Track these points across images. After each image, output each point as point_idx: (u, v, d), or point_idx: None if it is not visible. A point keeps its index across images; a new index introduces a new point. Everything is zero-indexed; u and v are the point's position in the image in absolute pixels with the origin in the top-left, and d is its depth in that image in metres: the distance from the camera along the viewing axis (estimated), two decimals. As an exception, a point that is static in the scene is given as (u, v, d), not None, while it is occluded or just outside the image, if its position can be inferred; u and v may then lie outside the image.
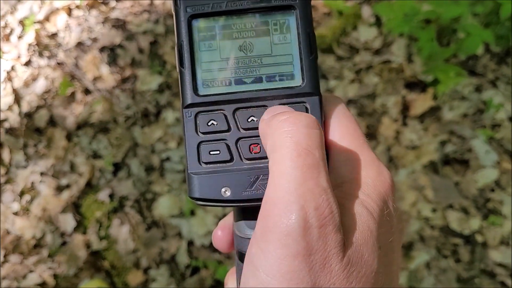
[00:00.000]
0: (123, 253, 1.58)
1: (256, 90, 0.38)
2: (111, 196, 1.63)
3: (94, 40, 1.80)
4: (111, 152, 1.66)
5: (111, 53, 1.80)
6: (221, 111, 0.38)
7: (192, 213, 1.61)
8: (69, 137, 1.70)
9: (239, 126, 0.38)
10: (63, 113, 1.72)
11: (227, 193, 0.37)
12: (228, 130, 0.38)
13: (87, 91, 1.76)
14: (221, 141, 0.38)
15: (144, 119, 1.72)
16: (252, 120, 0.38)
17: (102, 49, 1.80)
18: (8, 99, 1.73)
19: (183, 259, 1.58)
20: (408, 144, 1.66)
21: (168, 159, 1.68)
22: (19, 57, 1.77)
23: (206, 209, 1.60)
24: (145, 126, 1.71)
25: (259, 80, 0.38)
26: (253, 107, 0.38)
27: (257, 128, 0.37)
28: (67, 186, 1.64)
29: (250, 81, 0.38)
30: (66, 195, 1.62)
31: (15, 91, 1.75)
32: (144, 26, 1.82)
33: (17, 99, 1.74)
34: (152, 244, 1.58)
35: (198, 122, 0.38)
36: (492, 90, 1.69)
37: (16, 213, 1.63)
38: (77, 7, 1.85)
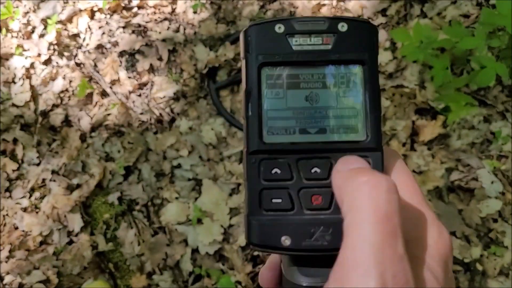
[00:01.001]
0: (128, 256, 1.60)
1: (320, 142, 0.39)
2: (120, 199, 1.65)
3: (114, 44, 1.83)
4: (123, 156, 1.68)
5: (130, 58, 1.83)
6: (285, 160, 0.38)
7: (199, 221, 1.63)
8: (83, 137, 1.72)
9: (301, 176, 0.38)
10: (78, 114, 1.75)
11: (287, 242, 0.37)
12: (291, 179, 0.38)
13: (103, 94, 1.78)
14: (283, 190, 0.38)
15: (158, 125, 1.74)
16: (315, 171, 0.38)
17: (121, 54, 1.83)
18: (25, 95, 1.75)
19: (187, 266, 1.59)
20: (415, 168, 1.68)
21: (179, 166, 1.70)
22: (39, 55, 1.80)
23: (212, 218, 1.63)
24: (158, 132, 1.74)
25: (323, 131, 0.39)
26: (316, 158, 0.38)
27: (319, 179, 0.37)
28: (78, 186, 1.66)
29: (314, 131, 0.39)
30: (76, 195, 1.64)
31: (32, 88, 1.77)
32: (164, 33, 1.85)
33: (34, 96, 1.77)
34: (157, 249, 1.60)
35: (261, 169, 0.38)
36: (502, 121, 1.72)
37: (25, 209, 1.65)
38: (100, 10, 1.88)
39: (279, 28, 0.38)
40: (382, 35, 1.87)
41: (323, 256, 0.38)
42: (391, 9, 1.91)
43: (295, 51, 0.38)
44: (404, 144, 1.72)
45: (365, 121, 0.38)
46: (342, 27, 0.38)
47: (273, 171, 0.38)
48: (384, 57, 1.83)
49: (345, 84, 0.39)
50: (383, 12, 1.92)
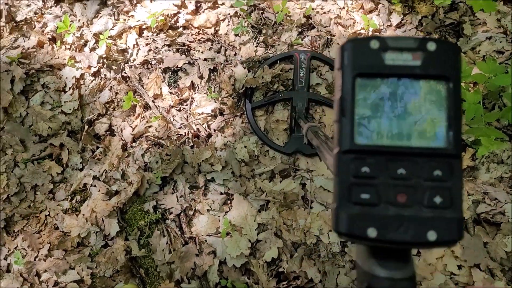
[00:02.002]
0: (159, 263, 1.67)
1: (406, 147, 0.44)
2: (155, 207, 1.73)
3: (159, 60, 1.94)
4: (161, 167, 1.77)
5: (173, 74, 1.93)
6: (374, 161, 0.44)
7: (228, 234, 1.69)
8: (124, 147, 1.82)
9: (388, 176, 0.44)
10: (121, 124, 1.85)
11: (373, 233, 0.42)
12: (379, 178, 0.44)
13: (146, 107, 1.88)
14: (372, 187, 0.43)
15: (195, 139, 1.83)
16: (401, 172, 0.43)
17: (165, 70, 1.93)
18: (74, 104, 1.86)
19: (213, 277, 1.65)
20: (442, 198, 1.71)
21: (212, 180, 1.78)
22: (89, 67, 1.92)
23: (241, 233, 1.69)
24: (194, 146, 1.82)
25: (409, 137, 0.44)
26: (403, 160, 0.44)
27: (404, 179, 0.43)
28: (116, 193, 1.75)
29: (401, 137, 0.44)
30: (114, 200, 1.73)
31: (80, 98, 1.89)
32: (206, 53, 1.95)
33: (82, 105, 1.88)
34: (187, 258, 1.67)
35: (352, 166, 0.44)
36: (531, 158, 1.74)
37: (65, 211, 1.75)
38: (148, 28, 1.99)
39: (374, 44, 0.45)
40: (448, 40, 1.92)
41: (401, 251, 0.44)
42: (425, 41, 1.96)
43: (387, 65, 0.44)
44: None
45: (448, 131, 0.44)
46: (431, 46, 0.44)
47: (363, 170, 0.44)
48: (416, 87, 1.88)
49: (431, 96, 0.44)
50: (418, 44, 1.97)
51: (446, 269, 1.63)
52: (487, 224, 1.68)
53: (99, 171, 1.78)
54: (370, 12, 2.03)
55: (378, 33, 1.99)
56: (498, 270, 1.61)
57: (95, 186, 1.77)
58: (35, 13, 2.00)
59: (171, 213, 1.73)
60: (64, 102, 1.87)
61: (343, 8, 2.05)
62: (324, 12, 2.03)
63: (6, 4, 1.98)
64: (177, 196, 1.75)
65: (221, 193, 1.76)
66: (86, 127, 1.84)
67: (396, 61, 0.44)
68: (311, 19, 2.02)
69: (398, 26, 2.00)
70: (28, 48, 1.92)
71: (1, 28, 1.96)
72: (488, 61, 1.71)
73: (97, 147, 1.82)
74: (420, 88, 0.45)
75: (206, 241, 1.69)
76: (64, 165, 1.81)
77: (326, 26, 2.00)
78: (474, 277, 1.61)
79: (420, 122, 0.44)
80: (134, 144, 1.83)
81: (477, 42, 1.94)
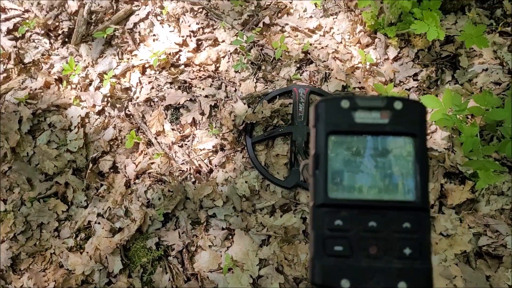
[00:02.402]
0: (161, 300, 1.69)
1: (376, 200, 0.46)
2: (157, 244, 1.76)
3: (161, 98, 1.99)
4: (163, 203, 1.80)
5: (175, 111, 1.98)
6: (346, 214, 0.46)
7: (230, 270, 1.70)
8: (127, 184, 1.86)
9: (360, 228, 0.46)
10: (125, 161, 1.89)
11: (346, 284, 0.44)
12: (351, 230, 0.46)
13: (149, 144, 1.93)
14: (345, 239, 0.46)
15: (197, 175, 1.86)
16: (372, 225, 0.46)
17: (167, 107, 1.98)
18: (79, 142, 1.92)
19: (216, 314, 1.66)
20: (442, 231, 1.72)
21: (214, 215, 1.80)
22: (94, 105, 1.98)
23: (243, 268, 1.70)
24: (196, 182, 1.85)
25: (379, 191, 0.46)
26: (373, 213, 0.46)
27: (375, 232, 0.45)
28: (120, 230, 1.78)
29: (372, 190, 0.47)
30: (117, 237, 1.76)
31: (85, 136, 1.94)
32: (207, 90, 2.00)
33: (87, 143, 1.93)
34: (189, 295, 1.68)
35: (326, 219, 0.46)
36: (531, 189, 1.74)
37: (70, 249, 1.78)
38: (150, 66, 2.05)
39: (345, 104, 0.48)
40: (413, 98, 1.95)
41: None
42: (422, 74, 1.99)
43: (357, 123, 0.48)
44: (432, 206, 1.76)
45: (416, 185, 0.46)
46: (398, 105, 0.48)
47: (336, 223, 0.46)
48: (414, 120, 1.90)
49: (399, 152, 0.47)
50: (415, 76, 2.00)
51: (449, 303, 1.62)
52: (489, 257, 1.67)
53: (103, 209, 1.82)
54: (367, 46, 2.07)
55: (375, 67, 2.03)
56: (502, 304, 1.60)
57: (99, 223, 1.80)
58: (43, 54, 2.08)
59: (173, 249, 1.75)
60: (70, 140, 1.92)
61: (341, 42, 2.09)
62: (322, 47, 2.08)
63: (15, 47, 2.06)
64: (179, 232, 1.77)
65: (223, 229, 1.78)
66: (91, 165, 1.88)
67: (366, 119, 0.47)
68: (309, 54, 2.07)
69: (395, 59, 2.04)
70: (35, 89, 1.98)
71: (10, 70, 2.03)
72: (484, 94, 1.73)
73: (101, 185, 1.86)
74: (389, 145, 0.47)
75: (208, 277, 1.70)
76: (69, 203, 1.85)
77: (324, 61, 2.04)
78: (477, 311, 1.60)
79: (390, 177, 0.47)
80: (137, 180, 1.87)
81: (473, 74, 1.97)
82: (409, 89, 1.98)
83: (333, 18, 2.16)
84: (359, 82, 2.00)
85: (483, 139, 1.85)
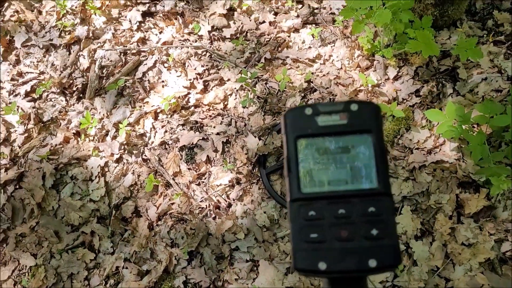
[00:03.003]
0: (194, 338, 1.71)
1: (343, 190, 0.53)
2: (185, 283, 1.80)
3: (175, 140, 2.07)
4: (187, 241, 1.85)
5: (189, 151, 2.06)
6: (318, 205, 0.52)
7: (258, 302, 1.72)
8: (150, 226, 1.91)
9: (331, 216, 0.52)
10: (146, 204, 1.96)
11: (323, 266, 0.50)
12: (323, 218, 0.52)
13: (167, 185, 2.00)
14: (319, 227, 0.52)
15: (216, 211, 1.91)
16: (341, 212, 0.52)
17: (181, 148, 2.06)
18: (101, 191, 1.99)
19: None
20: (464, 241, 1.73)
21: (237, 248, 1.84)
22: (112, 154, 2.07)
23: (271, 298, 1.72)
24: (216, 217, 1.90)
25: (345, 182, 0.53)
26: (341, 202, 0.52)
27: (344, 218, 0.51)
28: (147, 272, 1.83)
29: (339, 183, 0.53)
30: (145, 280, 1.80)
31: (106, 184, 2.02)
32: (218, 127, 2.08)
33: (108, 191, 2.01)
34: (221, 330, 1.70)
35: (301, 212, 0.52)
36: (547, 190, 1.75)
37: (101, 295, 1.82)
38: (162, 111, 2.15)
39: (308, 111, 0.55)
40: (418, 114, 2.00)
41: (355, 279, 0.52)
42: (424, 89, 2.05)
43: (320, 126, 0.55)
44: (450, 217, 1.78)
45: (376, 173, 0.53)
46: (354, 107, 0.55)
47: (310, 213, 0.52)
48: (421, 135, 1.95)
49: (359, 147, 0.54)
50: (417, 92, 2.06)
51: (481, 313, 1.62)
52: (514, 262, 1.67)
53: (129, 253, 1.87)
54: (367, 69, 2.15)
55: (377, 87, 2.09)
56: (534, 309, 1.59)
57: (126, 268, 1.85)
58: (60, 111, 2.19)
59: (201, 286, 1.78)
60: (92, 190, 2.00)
61: (341, 68, 2.17)
62: (324, 75, 2.16)
63: (34, 107, 2.18)
64: (205, 269, 1.81)
65: (247, 261, 1.81)
66: (114, 211, 1.95)
67: (327, 122, 0.54)
68: (312, 83, 2.15)
69: (396, 78, 2.10)
70: (56, 145, 2.08)
71: (31, 130, 2.14)
72: (486, 102, 1.78)
73: (125, 230, 1.92)
74: (350, 142, 0.54)
75: (237, 310, 1.73)
76: (97, 251, 1.91)
77: (327, 88, 2.12)
78: (510, 318, 1.59)
79: (354, 169, 0.53)
80: (159, 222, 1.92)
81: (474, 84, 2.02)
82: (412, 106, 2.03)
83: (331, 46, 2.25)
84: (363, 104, 2.05)
85: (491, 146, 1.88)
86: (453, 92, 2.04)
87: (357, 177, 0.53)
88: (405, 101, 2.06)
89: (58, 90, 2.24)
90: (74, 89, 2.23)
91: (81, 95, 2.25)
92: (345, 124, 0.54)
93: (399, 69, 2.12)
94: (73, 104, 2.22)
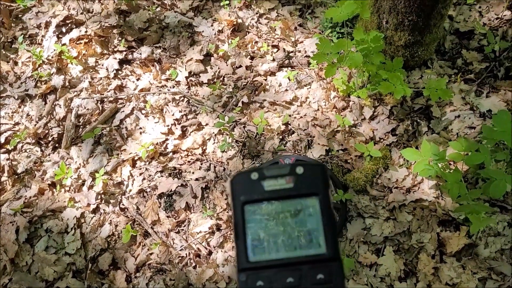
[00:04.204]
0: None
1: (292, 257, 0.51)
2: (165, 337, 1.72)
3: (153, 187, 2.04)
4: (166, 294, 1.79)
5: (168, 198, 2.03)
6: (266, 274, 0.50)
7: None
8: (128, 279, 1.85)
9: (280, 285, 0.49)
10: (124, 256, 1.90)
11: None
12: None
13: (146, 234, 1.95)
14: None
15: (196, 259, 1.86)
16: (290, 280, 0.50)
17: (160, 195, 2.03)
18: (77, 243, 1.93)
19: None
20: (447, 281, 1.70)
21: (218, 299, 1.78)
22: (88, 205, 2.02)
23: None
24: (197, 266, 1.85)
25: (294, 248, 0.51)
26: (290, 270, 0.50)
27: (293, 287, 0.49)
28: (125, 328, 1.75)
29: (287, 249, 0.51)
30: (123, 337, 1.72)
31: (82, 236, 1.96)
32: (197, 173, 2.06)
33: (84, 243, 1.95)
34: None
35: (249, 282, 0.50)
36: (526, 225, 1.76)
37: None
38: (140, 159, 2.13)
39: (254, 176, 0.53)
40: (395, 153, 2.02)
41: None
42: (399, 128, 2.08)
43: (267, 190, 0.53)
44: (433, 256, 1.77)
45: (325, 238, 0.51)
46: (299, 170, 0.53)
47: (258, 284, 0.50)
48: (400, 173, 1.96)
49: (307, 211, 0.52)
50: (393, 131, 2.09)
51: None
52: (500, 301, 1.65)
53: (107, 308, 1.79)
54: (343, 109, 2.18)
55: (354, 128, 2.11)
56: None
57: (103, 324, 1.77)
58: (35, 162, 2.15)
59: None
60: (67, 243, 1.94)
61: (318, 110, 2.20)
62: (301, 117, 2.18)
63: (8, 159, 2.14)
64: (185, 322, 1.74)
65: (229, 311, 1.75)
66: (90, 265, 1.88)
67: (274, 187, 0.53)
68: (290, 125, 2.16)
69: (372, 118, 2.13)
70: (30, 197, 2.03)
71: (4, 182, 2.09)
72: (460, 140, 1.81)
73: (102, 284, 1.85)
74: (297, 206, 0.52)
75: None
76: (72, 308, 1.83)
77: (305, 129, 2.13)
78: None
79: (302, 234, 0.51)
80: (138, 274, 1.86)
81: (448, 122, 2.06)
82: (389, 144, 2.05)
83: (307, 88, 2.29)
84: (341, 145, 2.07)
85: (468, 183, 1.89)
86: (428, 130, 2.07)
87: (306, 243, 0.51)
88: (382, 140, 2.08)
89: (33, 141, 2.20)
90: (50, 139, 2.20)
91: (57, 145, 2.22)
92: (291, 188, 0.53)
93: (375, 109, 2.15)
94: (49, 155, 2.19)
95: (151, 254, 1.89)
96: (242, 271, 0.51)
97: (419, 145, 2.01)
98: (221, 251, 1.87)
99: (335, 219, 0.54)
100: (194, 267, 1.86)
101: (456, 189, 1.73)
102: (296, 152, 2.08)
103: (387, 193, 1.93)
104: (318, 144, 2.08)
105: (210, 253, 1.88)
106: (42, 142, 2.22)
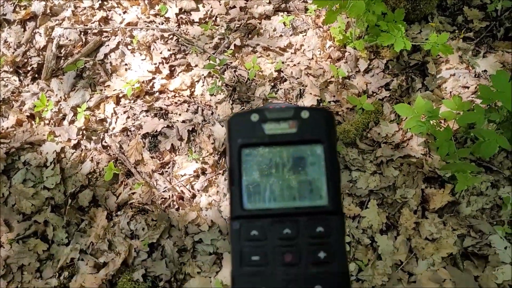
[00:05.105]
0: (153, 333, 1.64)
1: (290, 207, 0.47)
2: (144, 276, 1.72)
3: (138, 127, 1.98)
4: (148, 233, 1.77)
5: (153, 139, 1.97)
6: (261, 224, 0.46)
7: (221, 296, 1.67)
8: (109, 217, 1.82)
9: (275, 236, 0.46)
10: (105, 194, 1.86)
11: None
12: (266, 239, 0.46)
13: (128, 174, 1.90)
14: (261, 249, 0.46)
15: (180, 202, 1.84)
16: (286, 232, 0.46)
17: (144, 136, 1.97)
18: (56, 178, 1.87)
19: None
20: (427, 236, 1.73)
21: (200, 241, 1.77)
22: (69, 140, 1.94)
23: (234, 292, 1.67)
24: (180, 208, 1.83)
25: (293, 198, 0.47)
26: (287, 221, 0.46)
27: (290, 239, 0.46)
28: (104, 264, 1.74)
29: (285, 199, 0.47)
30: (102, 273, 1.71)
31: (62, 171, 1.90)
32: (184, 115, 1.99)
33: (64, 178, 1.89)
34: (181, 325, 1.64)
35: (242, 231, 0.46)
36: (509, 187, 1.78)
37: (54, 289, 1.72)
38: (124, 96, 2.04)
39: (255, 117, 0.49)
40: (387, 108, 1.99)
41: None
42: (393, 83, 2.04)
43: (267, 134, 0.48)
44: (415, 212, 1.79)
45: (327, 189, 0.47)
46: (304, 114, 0.48)
47: (252, 233, 0.46)
48: (390, 129, 1.94)
49: (309, 159, 0.48)
50: (386, 86, 2.05)
51: (442, 307, 1.63)
52: (475, 257, 1.69)
53: (86, 244, 1.77)
54: (338, 60, 2.11)
55: (348, 80, 2.06)
56: (492, 303, 1.62)
57: (82, 259, 1.75)
58: (13, 92, 2.04)
59: (161, 279, 1.71)
60: (46, 177, 1.88)
61: (312, 59, 2.13)
62: (294, 65, 2.11)
63: (-17, 87, 2.02)
64: (166, 262, 1.74)
65: (210, 253, 1.75)
66: (70, 200, 1.84)
67: (275, 130, 0.48)
68: (283, 72, 2.09)
69: (366, 71, 2.08)
70: (7, 128, 1.94)
71: (-21, 111, 1.99)
72: (454, 99, 1.79)
73: (82, 220, 1.82)
74: (299, 153, 0.48)
75: (199, 305, 1.67)
76: (50, 242, 1.79)
77: (298, 78, 2.07)
78: (470, 313, 1.61)
79: (302, 184, 0.47)
80: (119, 212, 1.83)
81: (442, 80, 2.02)
82: (382, 99, 2.02)
83: (303, 36, 2.20)
84: (334, 96, 2.03)
85: (457, 142, 1.89)
86: (422, 87, 2.04)
87: (306, 193, 0.47)
88: (374, 94, 2.04)
89: (11, 69, 2.08)
90: (29, 68, 2.08)
91: (36, 76, 2.10)
92: (294, 133, 0.48)
93: (370, 61, 2.10)
94: (27, 85, 2.08)
95: (133, 193, 1.86)
96: (235, 218, 0.47)
97: (411, 102, 1.98)
98: (205, 195, 1.85)
99: (340, 170, 0.49)
100: (177, 209, 1.83)
101: (445, 147, 1.72)
102: (287, 100, 2.03)
103: (375, 147, 1.92)
104: (310, 94, 2.03)
105: (193, 196, 1.86)
106: (20, 71, 2.10)
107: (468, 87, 2.00)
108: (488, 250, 1.69)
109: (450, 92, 2.00)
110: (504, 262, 1.66)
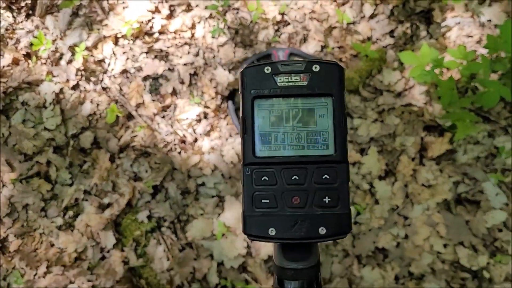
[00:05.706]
0: (158, 271, 1.71)
1: (299, 156, 0.51)
2: (149, 217, 1.76)
3: (138, 69, 1.94)
4: (151, 175, 1.79)
5: (154, 82, 1.94)
6: (272, 170, 0.51)
7: (223, 236, 1.73)
8: (112, 159, 1.83)
9: (284, 182, 0.51)
10: (106, 136, 1.85)
11: (273, 232, 0.50)
12: (276, 184, 0.51)
13: (129, 117, 1.89)
14: (271, 192, 0.51)
15: (182, 145, 1.85)
16: (295, 178, 0.51)
17: (145, 78, 1.93)
18: (56, 119, 1.85)
19: (213, 278, 1.70)
20: (424, 182, 1.79)
21: (203, 184, 1.81)
22: (67, 80, 1.90)
23: (236, 233, 1.74)
24: (182, 152, 1.84)
25: (301, 147, 0.52)
26: (296, 168, 0.51)
27: (297, 184, 0.50)
28: (109, 205, 1.77)
29: (295, 148, 0.52)
30: (107, 213, 1.74)
31: (62, 112, 1.88)
32: (185, 58, 1.95)
33: (64, 120, 1.87)
34: (185, 264, 1.71)
35: (254, 176, 0.51)
36: (504, 136, 1.83)
37: (59, 227, 1.76)
38: (123, 36, 1.98)
39: (267, 69, 0.52)
40: (390, 55, 1.98)
41: (303, 245, 0.52)
42: (398, 30, 2.02)
43: (279, 86, 0.52)
44: (413, 159, 1.83)
45: (334, 140, 0.52)
46: (315, 68, 0.52)
47: (263, 178, 0.51)
48: (393, 77, 1.94)
49: (319, 111, 0.52)
50: (391, 33, 2.02)
51: (433, 249, 1.72)
52: (468, 203, 1.77)
53: (89, 185, 1.79)
54: (343, 4, 2.06)
55: (352, 25, 2.03)
56: (480, 245, 1.72)
57: (86, 200, 1.78)
58: (7, 29, 1.96)
59: (165, 220, 1.76)
60: (46, 118, 1.85)
61: (317, 2, 2.07)
62: (299, 8, 2.06)
63: (-25, 22, 1.93)
64: (169, 203, 1.78)
65: (213, 196, 1.79)
66: (71, 142, 1.83)
67: (287, 83, 0.52)
68: (286, 16, 2.04)
69: (371, 17, 2.04)
70: (4, 66, 1.88)
71: (-27, 48, 1.91)
72: (458, 48, 1.78)
73: (85, 161, 1.82)
74: (309, 105, 0.52)
75: (202, 245, 1.73)
76: (53, 182, 1.81)
77: (302, 22, 2.03)
78: (459, 254, 1.71)
79: (311, 134, 0.52)
80: (121, 155, 1.84)
81: (447, 29, 2.00)
82: (386, 46, 2.00)
83: (307, -23, 2.13)
84: (337, 42, 2.00)
85: (458, 92, 1.91)
86: (426, 35, 2.02)
87: (314, 143, 0.51)
88: (378, 41, 2.02)
89: (4, 5, 1.98)
90: (23, 4, 1.98)
91: (30, 12, 2.01)
92: (305, 86, 0.51)
93: (376, 7, 2.05)
94: (21, 22, 1.99)
95: (135, 136, 1.85)
96: (248, 165, 0.51)
97: (415, 50, 1.97)
98: (208, 139, 1.86)
99: (347, 122, 0.52)
100: (179, 153, 1.85)
101: (448, 96, 1.74)
102: (291, 45, 1.99)
103: (377, 95, 1.92)
104: (314, 39, 2.00)
105: (196, 140, 1.87)
106: (13, 7, 2.00)
107: (471, 36, 1.99)
108: (480, 196, 1.76)
109: (454, 41, 1.99)
110: (495, 207, 1.75)
